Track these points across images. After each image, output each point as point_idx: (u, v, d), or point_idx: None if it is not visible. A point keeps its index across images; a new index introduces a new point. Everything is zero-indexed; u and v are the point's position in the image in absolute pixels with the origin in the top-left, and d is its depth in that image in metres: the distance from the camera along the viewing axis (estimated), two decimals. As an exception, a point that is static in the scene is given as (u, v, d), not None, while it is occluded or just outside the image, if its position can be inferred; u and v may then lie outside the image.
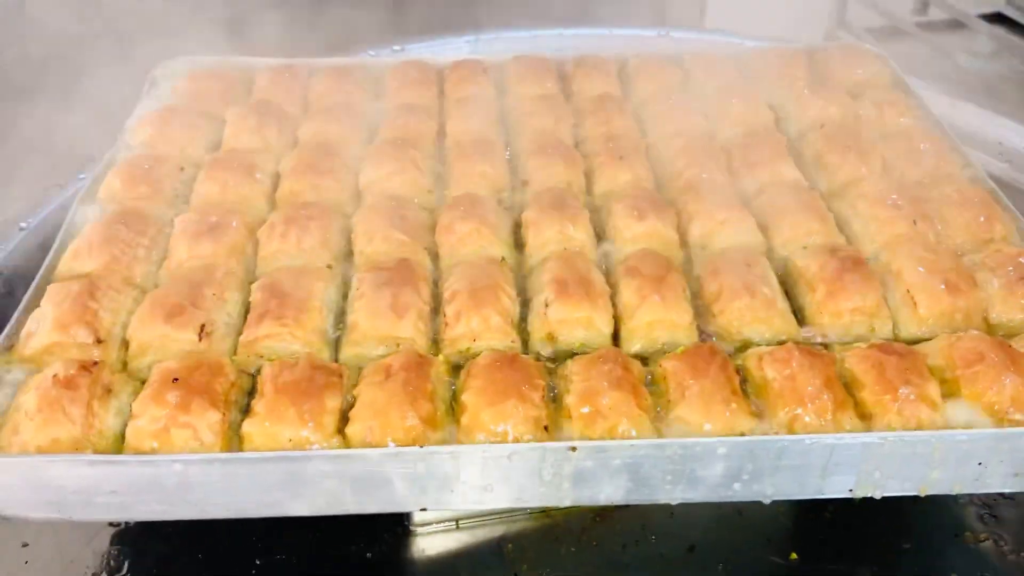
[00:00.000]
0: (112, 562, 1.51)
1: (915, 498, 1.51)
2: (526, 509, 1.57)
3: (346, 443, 1.29)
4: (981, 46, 6.07)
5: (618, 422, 1.29)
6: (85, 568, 1.50)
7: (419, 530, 1.58)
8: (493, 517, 1.58)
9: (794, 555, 1.54)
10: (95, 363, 1.35)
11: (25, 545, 1.52)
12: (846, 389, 1.37)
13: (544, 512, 1.59)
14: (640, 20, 2.86)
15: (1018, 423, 1.31)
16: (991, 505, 1.61)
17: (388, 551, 1.54)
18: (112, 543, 1.55)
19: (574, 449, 1.26)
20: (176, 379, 1.30)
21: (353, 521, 1.55)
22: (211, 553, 1.53)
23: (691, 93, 2.12)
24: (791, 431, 1.30)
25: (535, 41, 2.72)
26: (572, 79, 2.16)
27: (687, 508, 1.60)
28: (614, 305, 1.52)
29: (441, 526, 1.58)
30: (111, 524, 1.57)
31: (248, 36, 2.70)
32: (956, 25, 5.84)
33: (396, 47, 2.71)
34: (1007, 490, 1.36)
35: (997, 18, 6.17)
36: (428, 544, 1.57)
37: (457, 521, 1.58)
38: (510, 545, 1.55)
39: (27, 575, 1.49)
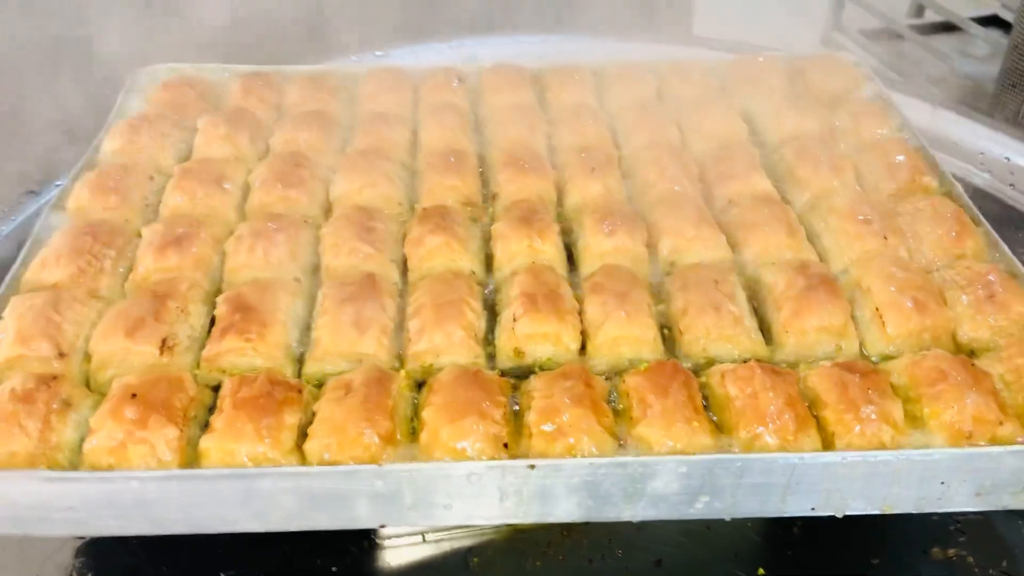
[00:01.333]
0: (76, 575, 1.51)
1: (884, 515, 1.51)
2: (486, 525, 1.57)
3: (304, 460, 1.28)
4: (976, 49, 6.05)
5: (579, 440, 1.28)
6: (48, 581, 1.50)
7: (385, 543, 1.57)
8: (459, 531, 1.58)
9: (761, 570, 1.53)
10: (54, 377, 1.34)
11: (-13, 558, 1.52)
12: (809, 408, 1.36)
13: (511, 526, 1.58)
14: (627, 25, 2.84)
15: (980, 443, 1.30)
16: (961, 520, 1.60)
17: (354, 564, 1.54)
18: (76, 555, 1.54)
19: (533, 467, 1.26)
20: (134, 395, 1.30)
21: (319, 534, 1.55)
22: (176, 566, 1.52)
23: (666, 104, 2.11)
24: (752, 450, 1.30)
25: (519, 47, 2.71)
26: (548, 87, 2.14)
27: (654, 523, 1.58)
28: (581, 320, 1.51)
29: (407, 539, 1.57)
30: (76, 536, 1.56)
31: (233, 42, 2.70)
32: (951, 28, 5.83)
33: (379, 52, 2.70)
34: (970, 509, 1.35)
35: (992, 21, 6.15)
36: (394, 557, 1.56)
37: (423, 535, 1.57)
38: (476, 559, 1.55)
39: (-10, 588, 1.49)
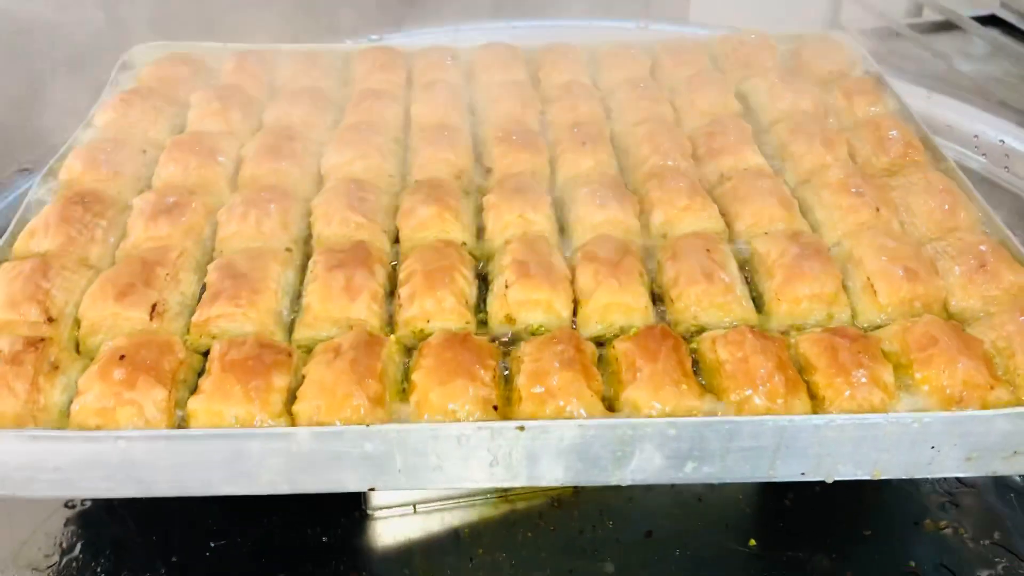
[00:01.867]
0: (65, 543, 1.51)
1: (876, 485, 1.52)
2: (480, 492, 1.56)
3: (293, 422, 1.28)
4: (975, 48, 6.06)
5: (568, 402, 1.27)
6: (37, 549, 1.50)
7: (376, 514, 1.57)
8: (450, 502, 1.58)
9: (753, 541, 1.53)
10: (42, 340, 1.34)
11: (-24, 525, 1.51)
12: (800, 373, 1.35)
13: (502, 497, 1.58)
14: (622, 12, 2.84)
15: (971, 407, 1.30)
16: (952, 493, 1.60)
17: (345, 535, 1.54)
18: (66, 524, 1.54)
19: (522, 428, 1.25)
20: (123, 356, 1.29)
21: (310, 505, 1.56)
22: (165, 535, 1.53)
23: (660, 81, 2.11)
24: (742, 413, 1.29)
25: (514, 31, 2.71)
26: (541, 67, 2.14)
27: (645, 494, 1.60)
28: (573, 289, 1.50)
29: (398, 511, 1.57)
30: (65, 506, 1.56)
31: (231, 25, 2.70)
32: (950, 27, 5.84)
33: (374, 36, 2.70)
34: (960, 474, 1.34)
35: (991, 20, 6.16)
36: (385, 528, 1.56)
37: (414, 505, 1.57)
38: (467, 529, 1.55)
39: (-22, 556, 1.48)
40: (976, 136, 2.39)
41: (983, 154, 2.37)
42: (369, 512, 1.57)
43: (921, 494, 1.60)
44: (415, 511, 1.57)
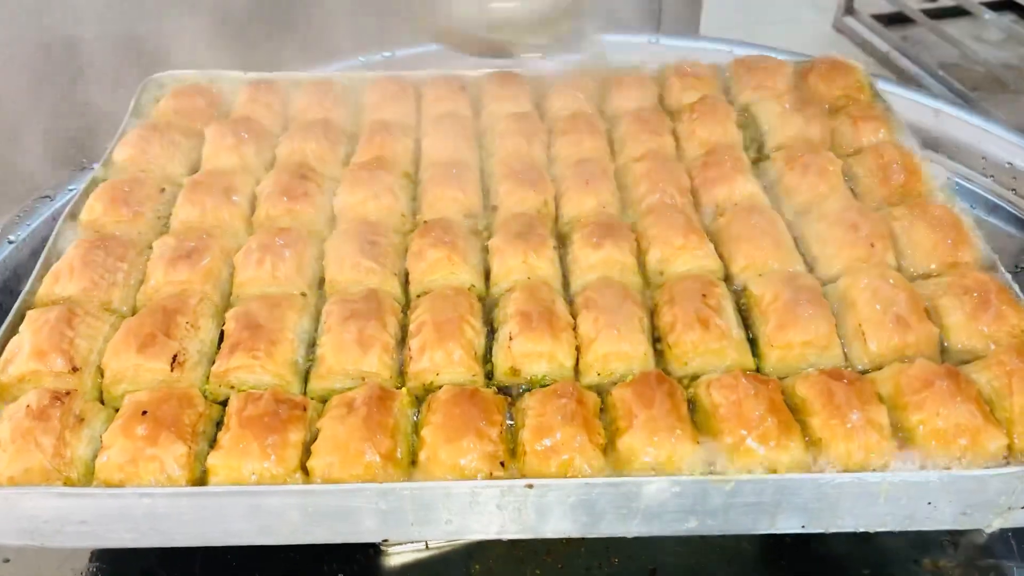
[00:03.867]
0: (90, 580, 1.57)
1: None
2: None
3: (308, 477, 1.33)
4: (990, 34, 6.01)
5: (571, 457, 1.32)
6: (64, 585, 1.56)
7: (390, 551, 1.62)
8: (462, 539, 1.62)
9: (756, 579, 1.58)
10: (67, 393, 1.39)
11: (6, 561, 1.57)
12: (796, 415, 1.39)
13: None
14: (634, 27, 2.84)
15: (965, 458, 1.33)
16: (952, 533, 1.63)
17: (360, 571, 1.58)
18: (91, 560, 1.59)
19: (530, 487, 1.30)
20: (145, 412, 1.34)
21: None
22: (187, 573, 1.58)
23: (668, 104, 2.13)
24: (736, 456, 1.33)
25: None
26: (547, 96, 2.16)
27: (649, 533, 1.64)
28: (576, 335, 1.54)
29: (412, 547, 1.62)
30: (91, 544, 1.62)
31: (240, 42, 2.72)
32: (964, 12, 5.79)
33: (386, 53, 2.72)
34: (956, 527, 1.38)
35: (1005, 5, 6.10)
36: (399, 564, 1.61)
37: (426, 542, 1.62)
38: (477, 566, 1.59)
39: (8, 591, 1.54)
40: (984, 157, 2.40)
41: (990, 175, 2.38)
42: (383, 548, 1.62)
43: (921, 534, 1.63)
44: (427, 547, 1.62)
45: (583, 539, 1.62)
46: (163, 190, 1.85)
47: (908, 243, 1.71)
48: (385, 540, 1.37)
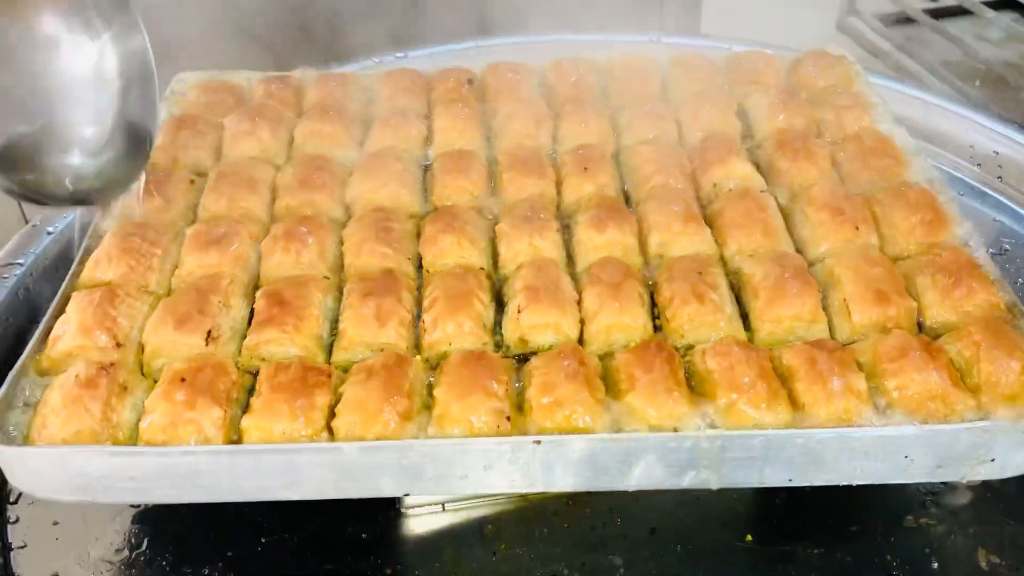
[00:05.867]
0: (133, 539, 1.68)
1: (863, 486, 1.64)
2: (502, 494, 1.72)
3: (333, 436, 1.45)
4: (991, 33, 6.09)
5: (574, 411, 1.43)
6: (109, 544, 1.66)
7: (409, 512, 1.73)
8: (475, 501, 1.73)
9: (749, 536, 1.68)
10: (111, 364, 1.51)
11: (55, 523, 1.69)
12: (783, 383, 1.50)
13: (522, 496, 1.74)
14: (636, 26, 2.95)
15: (938, 417, 1.44)
16: (935, 492, 1.73)
17: (381, 532, 1.69)
18: (133, 522, 1.71)
19: (538, 443, 1.42)
20: (183, 379, 1.47)
21: (350, 505, 1.69)
22: (222, 533, 1.68)
23: (671, 94, 2.24)
24: (729, 418, 1.44)
25: (529, 47, 2.82)
26: (552, 83, 2.27)
27: (650, 494, 1.72)
28: (581, 309, 1.66)
29: (428, 509, 1.72)
30: (132, 506, 1.73)
31: (256, 45, 2.85)
32: (965, 12, 5.87)
33: (399, 54, 2.84)
34: (932, 480, 1.49)
35: (1006, 4, 6.18)
36: (417, 525, 1.71)
37: (443, 504, 1.73)
38: (490, 526, 1.70)
39: (58, 550, 1.66)
40: (972, 146, 2.51)
41: (978, 164, 2.48)
42: (403, 511, 1.73)
43: (905, 493, 1.73)
44: (444, 509, 1.73)
45: (588, 501, 1.73)
46: (192, 181, 1.97)
47: (889, 225, 1.81)
48: (406, 495, 1.48)
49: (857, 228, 1.76)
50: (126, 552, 1.66)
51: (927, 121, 2.56)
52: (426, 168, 2.05)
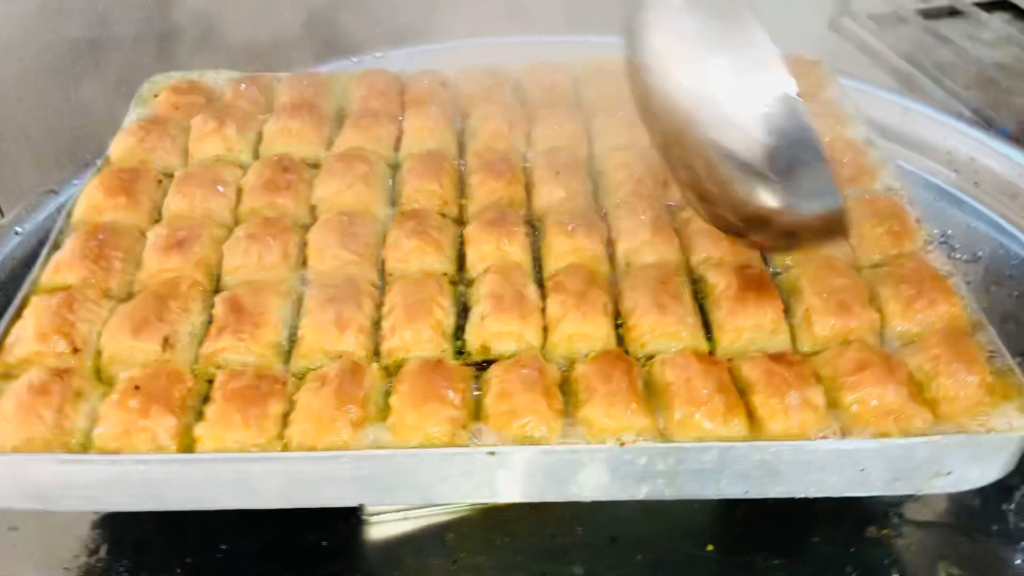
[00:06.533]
0: (91, 545, 1.67)
1: (825, 497, 1.64)
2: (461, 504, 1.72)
3: (285, 445, 1.44)
4: (984, 34, 6.07)
5: (530, 420, 1.42)
6: (67, 550, 1.66)
7: (371, 519, 1.72)
8: (437, 509, 1.72)
9: (710, 547, 1.68)
10: (66, 370, 1.50)
11: (13, 529, 1.69)
12: (742, 395, 1.49)
13: (481, 505, 1.73)
14: (609, 29, 2.92)
15: (895, 430, 1.43)
16: (897, 504, 1.73)
17: (342, 539, 1.68)
18: (92, 528, 1.70)
19: (492, 454, 1.41)
20: (137, 387, 1.46)
21: (311, 511, 1.68)
22: (181, 539, 1.68)
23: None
24: (685, 430, 1.43)
25: (517, 48, 2.78)
26: (527, 86, 2.26)
27: (611, 503, 1.73)
28: (544, 316, 1.65)
29: (390, 516, 1.72)
30: (93, 512, 1.73)
31: (237, 45, 2.84)
32: (959, 13, 5.86)
33: (378, 54, 2.82)
34: (889, 493, 1.48)
35: (999, 6, 6.16)
36: (378, 532, 1.71)
37: (404, 512, 1.73)
38: (451, 534, 1.69)
39: (15, 556, 1.65)
40: (949, 152, 2.50)
41: (955, 170, 2.48)
42: (364, 518, 1.72)
43: (866, 504, 1.73)
44: (405, 517, 1.73)
45: (550, 508, 1.70)
46: (160, 181, 1.96)
47: (856, 234, 1.80)
48: (361, 505, 1.48)
49: (823, 238, 1.75)
50: (84, 558, 1.66)
51: (904, 126, 2.56)
52: (395, 170, 2.04)
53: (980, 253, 2.27)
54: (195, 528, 1.69)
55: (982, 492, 1.71)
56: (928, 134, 2.55)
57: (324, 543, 1.67)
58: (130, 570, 1.64)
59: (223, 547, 1.67)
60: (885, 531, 1.69)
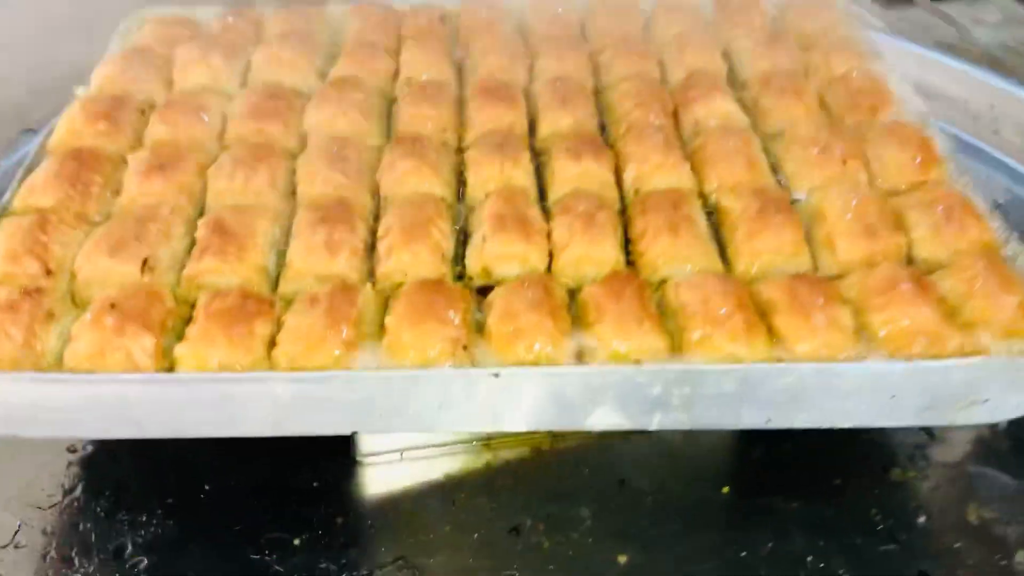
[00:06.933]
0: (66, 484, 1.57)
1: (845, 439, 1.55)
2: (463, 439, 1.62)
3: (273, 367, 1.34)
4: (989, 15, 5.99)
5: (536, 341, 1.32)
6: (40, 489, 1.56)
7: (365, 460, 1.62)
8: (435, 449, 1.63)
9: (726, 489, 1.58)
10: (38, 289, 1.40)
11: (-16, 466, 1.59)
12: (762, 318, 1.39)
13: (485, 445, 1.63)
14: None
15: (927, 354, 1.33)
16: (921, 445, 1.64)
17: (334, 480, 1.59)
18: (68, 467, 1.61)
19: (496, 376, 1.31)
20: (113, 305, 1.35)
21: (301, 450, 1.60)
22: (162, 478, 1.59)
23: (654, 37, 2.13)
24: (702, 351, 1.34)
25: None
26: (531, 22, 2.17)
27: (619, 444, 1.65)
28: (549, 242, 1.55)
29: (385, 457, 1.62)
30: (68, 450, 1.63)
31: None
32: (961, -8, 5.78)
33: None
34: (919, 423, 1.39)
35: (1004, -12, 6.08)
36: (373, 474, 1.61)
37: (401, 452, 1.63)
38: (450, 475, 1.60)
39: (-14, 494, 1.56)
40: (966, 101, 2.41)
41: (973, 118, 2.38)
42: (358, 458, 1.62)
43: (890, 446, 1.64)
44: (401, 457, 1.63)
45: (554, 451, 1.63)
46: (143, 112, 1.85)
47: (879, 162, 1.71)
48: (353, 432, 1.37)
49: (845, 163, 1.66)
50: (59, 497, 1.56)
51: (921, 75, 2.45)
52: (392, 104, 1.93)
53: (1001, 201, 2.18)
54: (176, 466, 1.61)
55: (1011, 431, 1.63)
56: (944, 82, 2.45)
57: (315, 484, 1.58)
58: (106, 510, 1.54)
59: (206, 487, 1.58)
60: (911, 473, 1.60)
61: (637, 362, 1.31)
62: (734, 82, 1.98)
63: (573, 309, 1.44)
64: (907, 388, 1.33)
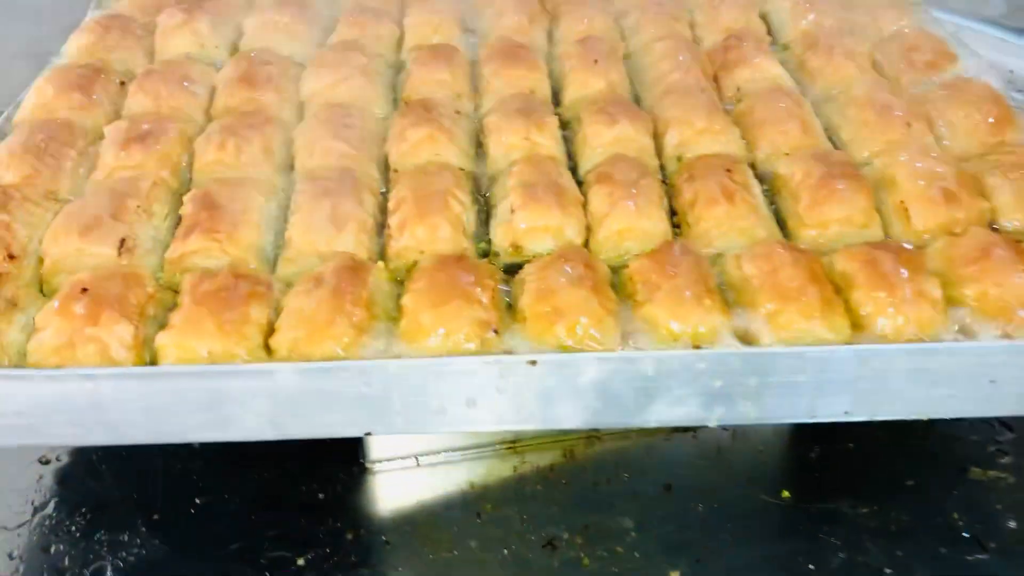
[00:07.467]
0: (36, 500, 1.41)
1: (916, 436, 1.42)
2: (487, 442, 1.45)
3: (271, 357, 1.16)
4: (996, -2, 5.87)
5: (576, 321, 1.15)
6: (7, 506, 1.40)
7: (376, 467, 1.46)
8: (455, 453, 1.47)
9: (786, 493, 1.41)
10: (-1, 275, 1.22)
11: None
12: (836, 293, 1.23)
13: (510, 447, 1.47)
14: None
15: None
16: (1000, 441, 1.48)
17: (342, 490, 1.43)
18: (38, 480, 1.44)
19: (534, 363, 1.12)
20: (85, 289, 1.17)
21: (304, 457, 1.45)
22: (146, 492, 1.43)
23: (677, 2, 1.97)
24: (773, 331, 1.17)
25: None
26: None
27: (663, 444, 1.49)
28: (587, 213, 1.38)
29: (399, 463, 1.46)
30: (40, 461, 1.46)
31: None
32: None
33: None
34: (1020, 413, 1.21)
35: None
36: (385, 482, 1.45)
37: (417, 457, 1.46)
38: (473, 483, 1.44)
39: (-56, 512, 1.38)
40: (1012, 71, 2.26)
41: (1018, 89, 2.23)
42: (368, 465, 1.45)
43: (964, 442, 1.48)
44: (418, 463, 1.46)
45: (589, 454, 1.47)
46: (122, 83, 1.68)
47: (946, 123, 1.57)
48: (367, 433, 1.19)
49: (910, 125, 1.51)
50: (27, 515, 1.39)
51: (961, 47, 2.31)
52: (398, 71, 1.76)
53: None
54: (163, 478, 1.45)
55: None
56: (985, 53, 2.29)
57: (320, 495, 1.42)
58: (82, 529, 1.37)
59: (198, 501, 1.41)
60: (993, 472, 1.42)
61: (697, 346, 1.13)
62: (774, 43, 1.82)
63: (617, 287, 1.26)
64: (1008, 371, 1.16)
